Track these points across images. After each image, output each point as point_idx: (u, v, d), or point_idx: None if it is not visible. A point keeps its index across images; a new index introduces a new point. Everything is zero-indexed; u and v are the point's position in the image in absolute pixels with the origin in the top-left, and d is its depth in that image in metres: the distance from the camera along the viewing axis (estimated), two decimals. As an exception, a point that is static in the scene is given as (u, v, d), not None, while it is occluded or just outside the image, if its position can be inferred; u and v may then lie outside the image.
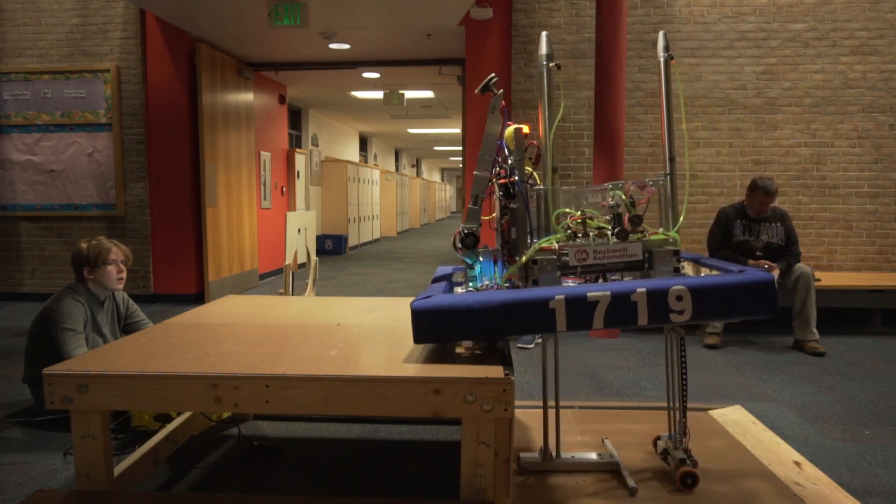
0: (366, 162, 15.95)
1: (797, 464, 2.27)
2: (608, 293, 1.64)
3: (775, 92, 5.29)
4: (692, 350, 4.13)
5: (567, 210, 1.95)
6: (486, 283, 1.98)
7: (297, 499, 2.03)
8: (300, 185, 9.26)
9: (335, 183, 11.37)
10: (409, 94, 9.31)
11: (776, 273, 4.13)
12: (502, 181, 1.94)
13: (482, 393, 1.60)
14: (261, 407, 1.64)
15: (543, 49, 1.94)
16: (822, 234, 5.33)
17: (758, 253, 4.30)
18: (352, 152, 14.36)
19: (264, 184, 7.63)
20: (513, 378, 1.61)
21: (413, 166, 24.02)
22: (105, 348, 1.95)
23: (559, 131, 5.45)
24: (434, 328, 1.70)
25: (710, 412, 2.83)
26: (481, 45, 5.51)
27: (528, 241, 1.92)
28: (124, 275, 2.91)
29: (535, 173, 2.00)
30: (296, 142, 10.48)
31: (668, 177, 1.98)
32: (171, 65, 5.82)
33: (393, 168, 19.96)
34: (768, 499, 2.01)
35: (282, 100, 8.44)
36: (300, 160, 9.26)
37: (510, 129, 1.96)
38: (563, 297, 1.64)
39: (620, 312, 1.64)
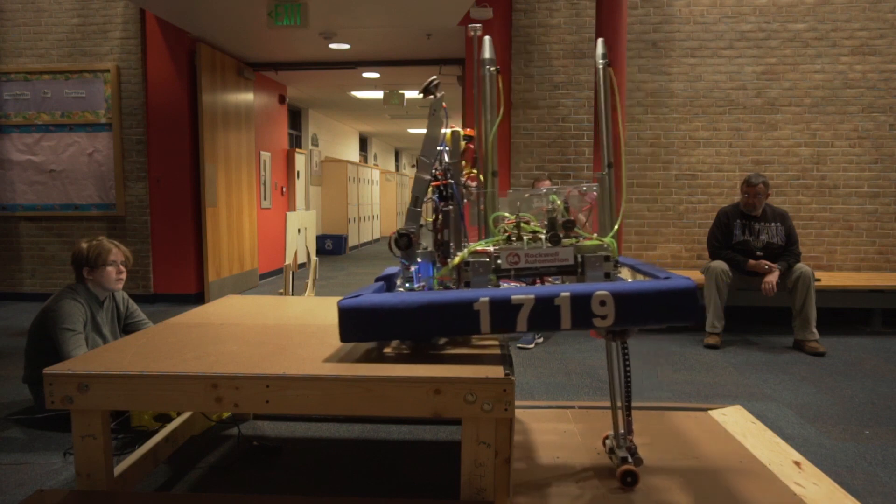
0: (366, 162, 15.95)
1: (797, 464, 2.27)
2: (532, 297, 1.65)
3: (775, 92, 5.29)
4: (692, 350, 4.13)
5: (505, 213, 1.96)
6: (423, 284, 1.99)
7: (297, 499, 2.03)
8: (300, 185, 9.26)
9: (335, 183, 11.37)
10: (409, 94, 9.31)
11: (776, 274, 4.13)
12: (435, 183, 1.95)
13: (482, 393, 1.60)
14: (261, 407, 1.64)
15: (486, 53, 1.97)
16: (822, 234, 5.33)
17: (758, 253, 4.30)
18: (352, 152, 14.35)
19: (264, 184, 7.63)
20: (513, 378, 1.61)
21: (413, 166, 23.99)
22: (105, 348, 1.95)
23: (559, 131, 5.46)
24: (360, 327, 1.71)
25: (710, 412, 2.83)
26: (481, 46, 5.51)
27: (463, 243, 1.93)
28: (124, 276, 2.90)
29: (481, 176, 2.01)
30: (296, 142, 10.48)
31: (607, 182, 2.00)
32: (171, 65, 5.82)
33: (393, 168, 19.96)
34: (768, 499, 2.01)
35: (282, 100, 8.44)
36: (300, 160, 9.26)
37: (448, 132, 1.97)
38: (487, 299, 1.65)
39: (544, 316, 1.65)
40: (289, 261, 5.37)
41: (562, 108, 5.43)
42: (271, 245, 7.75)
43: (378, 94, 9.22)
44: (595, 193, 2.01)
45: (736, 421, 2.72)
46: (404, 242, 1.90)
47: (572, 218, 1.92)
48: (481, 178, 2.01)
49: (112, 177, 5.93)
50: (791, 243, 4.31)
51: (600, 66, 2.04)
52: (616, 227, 1.97)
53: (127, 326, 3.03)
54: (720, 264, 4.25)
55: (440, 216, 1.97)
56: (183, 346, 1.92)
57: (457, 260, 1.85)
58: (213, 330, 2.15)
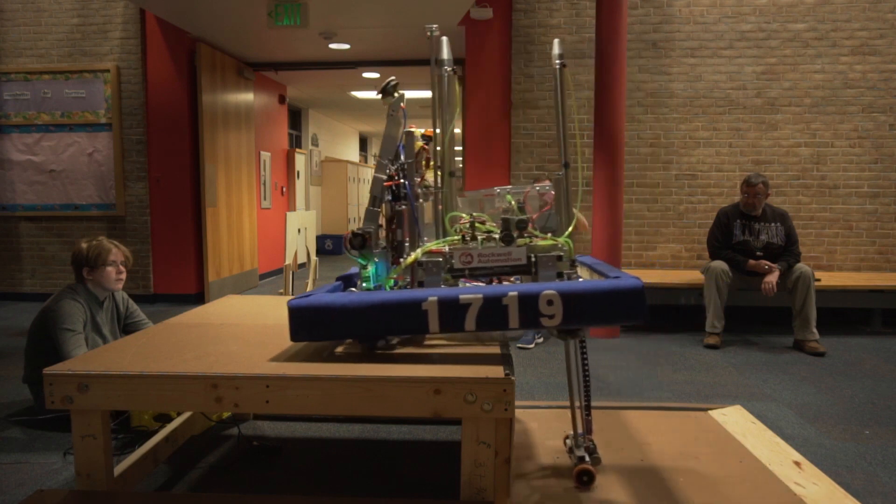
0: (366, 162, 15.95)
1: (797, 464, 2.28)
2: (480, 296, 1.65)
3: (775, 92, 5.29)
4: (692, 350, 4.13)
5: (461, 214, 1.97)
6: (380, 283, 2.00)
7: (297, 499, 2.03)
8: (300, 185, 9.26)
9: (335, 183, 11.36)
10: (409, 94, 9.31)
11: (776, 274, 4.13)
12: (387, 183, 1.96)
13: (482, 393, 1.59)
14: (261, 407, 1.64)
15: (444, 54, 1.98)
16: (822, 234, 5.33)
17: (758, 253, 4.30)
18: (352, 152, 14.35)
19: (264, 184, 7.63)
20: (513, 378, 1.61)
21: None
22: (105, 348, 1.95)
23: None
24: (310, 327, 1.72)
25: (710, 412, 2.83)
26: (481, 45, 5.51)
27: (418, 243, 1.94)
28: (124, 276, 2.90)
29: (437, 175, 2.02)
30: (296, 142, 10.48)
31: (564, 182, 2.00)
32: (171, 65, 5.82)
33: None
34: (768, 499, 2.01)
35: (282, 100, 8.44)
36: (300, 160, 9.26)
37: (404, 133, 2.00)
38: (435, 299, 1.66)
39: (492, 315, 1.66)
40: (289, 261, 5.37)
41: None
42: (271, 245, 7.75)
43: (378, 94, 9.21)
44: (553, 193, 2.02)
45: (736, 421, 2.72)
46: (358, 242, 1.91)
47: (526, 218, 1.92)
48: (439, 175, 2.02)
49: (112, 177, 5.93)
50: (791, 243, 4.31)
51: (556, 67, 2.05)
52: (571, 227, 1.97)
53: (127, 326, 3.03)
54: (720, 264, 4.25)
55: (394, 216, 1.99)
56: (183, 346, 1.92)
57: (410, 259, 1.87)
58: (213, 330, 2.15)
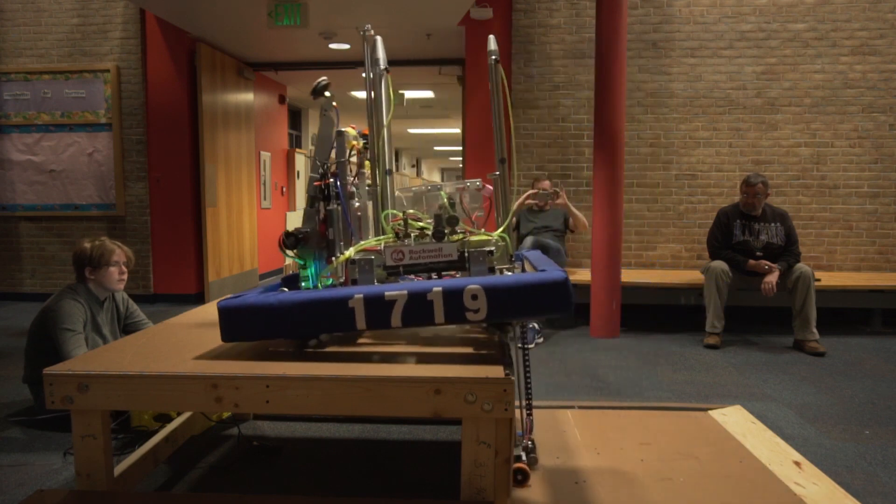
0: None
1: (797, 464, 2.28)
2: (405, 293, 1.66)
3: (775, 92, 5.29)
4: (692, 350, 4.14)
5: (396, 211, 1.97)
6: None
7: (297, 499, 2.03)
8: (300, 185, 9.26)
9: (335, 183, 11.34)
10: (409, 94, 9.30)
11: (776, 274, 4.13)
12: (317, 183, 1.96)
13: (483, 393, 1.59)
14: (261, 407, 1.64)
15: (378, 54, 1.97)
16: (822, 234, 5.33)
17: (758, 253, 4.30)
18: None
19: (264, 184, 7.63)
20: (513, 378, 1.61)
21: (413, 166, 23.99)
22: (105, 348, 1.95)
23: (559, 131, 5.45)
24: (240, 327, 1.74)
25: (710, 412, 2.83)
26: (481, 45, 5.50)
27: (352, 241, 1.95)
28: (125, 276, 2.91)
29: (374, 173, 2.01)
30: (296, 142, 10.47)
31: (501, 178, 2.00)
32: (171, 65, 5.82)
33: (393, 168, 19.91)
34: (768, 499, 2.01)
35: (282, 100, 8.44)
36: (300, 160, 9.26)
37: (344, 132, 2.00)
38: (361, 296, 1.67)
39: (417, 311, 1.66)
40: (289, 261, 5.36)
41: (562, 108, 5.44)
42: (271, 245, 7.74)
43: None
44: (492, 188, 2.02)
45: (736, 421, 2.72)
46: (291, 242, 1.90)
47: (456, 214, 1.91)
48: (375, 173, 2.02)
49: (112, 177, 5.93)
50: (791, 243, 4.31)
51: (491, 63, 2.04)
52: (507, 222, 1.96)
53: (127, 326, 3.03)
54: (720, 264, 4.25)
55: (326, 215, 1.98)
56: (183, 346, 1.92)
57: (342, 258, 1.86)
58: (213, 330, 2.14)
